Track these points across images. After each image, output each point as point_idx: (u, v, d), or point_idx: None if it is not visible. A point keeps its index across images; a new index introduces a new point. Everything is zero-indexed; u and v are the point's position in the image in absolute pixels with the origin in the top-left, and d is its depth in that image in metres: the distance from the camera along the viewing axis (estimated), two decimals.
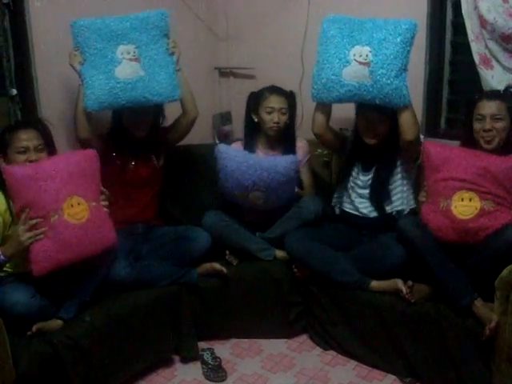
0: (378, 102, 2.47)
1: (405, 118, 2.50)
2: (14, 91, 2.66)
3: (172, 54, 2.70)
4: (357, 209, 2.76)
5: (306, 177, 2.95)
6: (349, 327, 2.58)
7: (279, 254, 2.77)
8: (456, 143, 2.55)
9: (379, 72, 2.42)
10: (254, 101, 2.90)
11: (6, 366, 1.91)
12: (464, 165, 2.31)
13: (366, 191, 2.72)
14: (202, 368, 2.53)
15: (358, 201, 2.75)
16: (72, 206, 2.18)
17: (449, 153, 2.37)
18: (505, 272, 2.08)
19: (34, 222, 2.11)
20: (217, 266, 2.66)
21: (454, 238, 2.31)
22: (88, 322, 2.25)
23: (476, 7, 2.56)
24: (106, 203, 2.35)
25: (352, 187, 2.76)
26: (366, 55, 2.45)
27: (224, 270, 2.65)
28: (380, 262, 2.51)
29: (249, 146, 2.94)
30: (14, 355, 1.94)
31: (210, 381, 2.48)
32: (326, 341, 2.69)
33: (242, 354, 2.68)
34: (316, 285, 2.66)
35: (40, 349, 2.07)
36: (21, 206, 2.13)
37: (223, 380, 2.47)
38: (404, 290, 2.35)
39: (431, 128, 2.97)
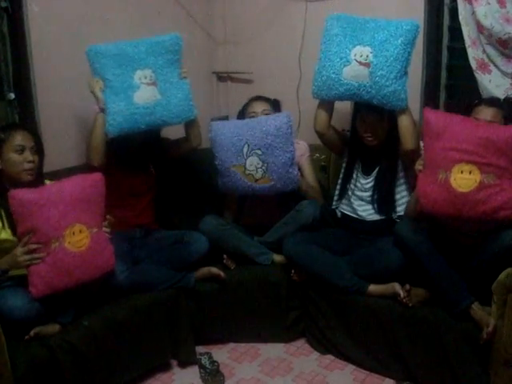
0: (375, 102, 2.48)
1: (404, 125, 2.51)
2: (12, 95, 2.65)
3: (184, 78, 2.73)
4: (355, 211, 2.76)
5: (308, 173, 2.92)
6: (347, 331, 2.58)
7: (277, 258, 2.77)
8: None
9: (379, 73, 2.43)
10: (242, 113, 2.96)
11: (4, 370, 1.90)
12: (465, 133, 2.21)
13: (366, 194, 2.72)
14: (200, 372, 2.53)
15: (356, 203, 2.75)
16: (73, 234, 2.18)
17: (449, 121, 2.28)
18: (502, 276, 2.08)
19: (34, 246, 2.12)
20: (214, 270, 2.66)
21: (450, 212, 2.24)
22: (86, 326, 2.24)
23: (473, 13, 2.57)
24: (108, 229, 2.34)
25: (352, 190, 2.77)
26: (367, 56, 2.46)
27: (222, 274, 2.65)
28: (377, 265, 2.51)
29: None
30: (11, 359, 1.94)
31: None
32: (323, 345, 2.69)
33: (239, 359, 2.68)
34: (314, 289, 2.66)
35: (38, 353, 2.06)
36: (23, 231, 2.13)
37: None
38: (401, 293, 2.36)
39: None
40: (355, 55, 2.49)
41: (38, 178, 2.32)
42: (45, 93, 2.74)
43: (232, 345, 2.79)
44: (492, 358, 2.11)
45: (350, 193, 2.78)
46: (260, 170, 2.68)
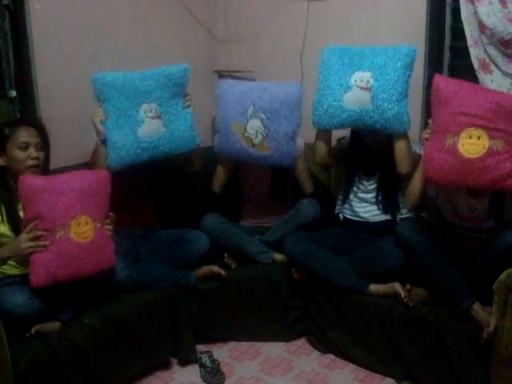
0: (378, 127, 2.48)
1: (401, 149, 2.52)
2: (14, 93, 2.66)
3: (188, 106, 2.71)
4: (357, 214, 2.76)
5: (301, 163, 2.88)
6: (347, 331, 2.59)
7: (278, 257, 2.77)
8: None
9: (380, 97, 2.42)
10: None
11: (5, 368, 1.90)
12: (475, 98, 2.18)
13: (370, 195, 2.72)
14: (200, 371, 2.53)
15: (358, 205, 2.75)
16: (79, 225, 2.18)
17: (459, 87, 2.25)
18: (503, 276, 2.08)
19: (39, 233, 2.12)
20: (215, 268, 2.66)
21: (457, 180, 2.21)
22: (86, 324, 2.24)
23: (475, 12, 2.57)
24: (111, 227, 2.33)
25: (355, 192, 2.76)
26: (368, 80, 2.45)
27: (222, 272, 2.65)
28: (378, 265, 2.51)
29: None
30: (12, 357, 1.94)
31: None
32: (324, 344, 2.69)
33: (240, 357, 2.68)
34: (314, 288, 2.66)
35: (38, 351, 2.06)
36: (30, 217, 2.13)
37: (221, 383, 2.47)
38: (402, 293, 2.36)
39: None
40: (355, 81, 2.47)
41: (43, 174, 2.31)
42: (46, 90, 2.75)
43: (232, 343, 2.79)
44: (492, 358, 2.11)
45: (351, 196, 2.77)
46: (260, 135, 2.67)
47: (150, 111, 2.56)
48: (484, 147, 2.14)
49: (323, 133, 2.68)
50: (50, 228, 2.13)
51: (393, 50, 2.47)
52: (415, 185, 2.42)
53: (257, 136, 2.67)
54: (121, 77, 2.53)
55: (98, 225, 2.25)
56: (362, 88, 2.46)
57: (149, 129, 2.55)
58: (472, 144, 2.15)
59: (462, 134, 2.17)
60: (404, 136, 2.52)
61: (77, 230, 2.17)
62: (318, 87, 2.59)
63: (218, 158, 2.92)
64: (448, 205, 2.47)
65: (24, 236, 2.11)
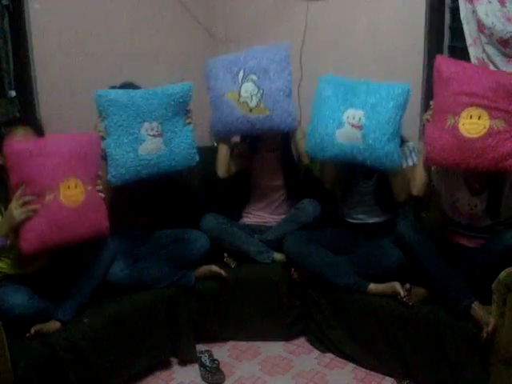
0: (369, 164, 2.47)
1: (397, 182, 2.54)
2: (13, 93, 2.67)
3: (189, 123, 2.70)
4: (356, 215, 2.76)
5: (299, 132, 2.82)
6: (347, 330, 2.59)
7: (277, 256, 2.78)
8: None
9: (371, 136, 2.41)
10: None
11: (5, 368, 1.91)
12: (476, 78, 2.18)
13: (368, 197, 2.72)
14: (200, 370, 2.53)
15: (357, 206, 2.75)
16: (69, 188, 2.15)
17: (461, 67, 2.25)
18: (502, 275, 2.09)
19: (27, 198, 2.08)
20: (215, 268, 2.66)
21: (457, 160, 2.21)
22: (86, 324, 2.24)
23: (474, 11, 2.57)
24: (101, 187, 2.32)
25: (353, 193, 2.76)
26: (359, 118, 2.43)
27: (222, 272, 2.65)
28: (378, 264, 2.51)
29: (254, 147, 2.98)
30: (12, 357, 1.94)
31: (208, 383, 2.47)
32: (323, 343, 2.69)
33: (240, 357, 2.68)
34: (314, 288, 2.66)
35: (38, 350, 2.07)
36: (17, 182, 2.09)
37: (221, 382, 2.47)
38: (402, 292, 2.36)
39: None
40: (348, 117, 2.46)
41: None
42: (46, 90, 2.75)
43: (232, 343, 2.79)
44: (492, 357, 2.11)
45: (350, 197, 2.76)
46: (255, 97, 2.65)
47: (152, 129, 2.54)
48: (485, 127, 2.14)
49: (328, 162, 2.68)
50: (37, 192, 2.09)
51: (386, 89, 2.44)
52: (420, 170, 2.44)
53: (252, 99, 2.66)
54: (124, 95, 2.51)
55: (89, 187, 2.23)
56: (353, 126, 2.44)
57: (149, 146, 2.54)
58: (472, 124, 2.15)
59: (463, 114, 2.17)
60: (396, 172, 2.51)
61: (66, 193, 2.14)
62: (311, 118, 2.58)
63: (217, 138, 2.89)
64: (449, 199, 2.47)
65: (13, 204, 2.08)
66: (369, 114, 2.42)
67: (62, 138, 2.24)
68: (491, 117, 2.13)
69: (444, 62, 2.29)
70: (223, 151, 2.89)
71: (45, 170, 2.11)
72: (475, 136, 2.15)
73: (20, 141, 2.15)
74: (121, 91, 2.54)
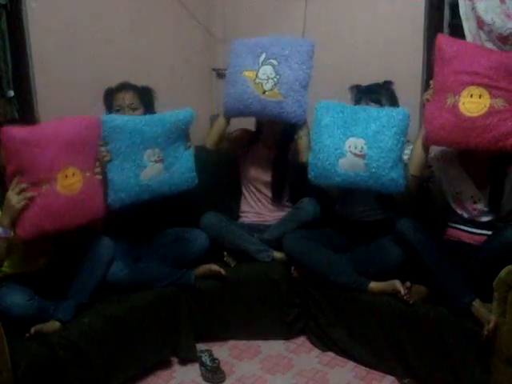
0: (373, 189, 2.47)
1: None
2: (12, 93, 2.65)
3: (189, 147, 2.72)
4: (355, 213, 2.75)
5: (304, 128, 2.80)
6: (347, 328, 2.58)
7: (277, 255, 2.77)
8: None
9: (375, 164, 2.40)
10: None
11: (5, 368, 1.90)
12: (477, 56, 2.18)
13: (367, 196, 2.70)
14: (201, 370, 2.53)
15: (357, 204, 2.74)
16: (66, 177, 2.13)
17: (461, 46, 2.25)
18: (503, 273, 2.08)
19: (24, 185, 2.06)
20: (215, 267, 2.66)
21: (458, 139, 2.21)
22: (86, 324, 2.24)
23: (473, 8, 2.56)
24: (99, 170, 2.31)
25: (351, 192, 2.75)
26: (362, 147, 2.42)
27: (222, 271, 2.65)
28: (378, 263, 2.51)
29: (255, 138, 2.99)
30: (12, 357, 1.93)
31: (209, 382, 2.47)
32: (324, 342, 2.69)
33: (240, 356, 2.68)
34: (314, 286, 2.66)
35: (38, 350, 2.06)
36: (13, 171, 2.08)
37: (221, 381, 2.47)
38: (402, 291, 2.36)
39: None
40: (350, 147, 2.44)
41: None
42: (44, 90, 2.74)
43: (232, 342, 2.79)
44: (493, 354, 2.11)
45: (349, 198, 2.76)
46: (271, 81, 2.66)
47: (154, 155, 2.55)
48: (485, 106, 2.14)
49: None
50: (34, 181, 2.07)
51: (386, 116, 2.42)
52: (418, 147, 2.43)
53: (268, 82, 2.66)
54: (129, 121, 2.51)
55: (87, 174, 2.21)
56: (356, 155, 2.43)
57: (151, 172, 2.55)
58: (473, 103, 2.15)
59: (463, 93, 2.17)
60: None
61: (64, 183, 2.12)
62: (312, 146, 2.57)
63: (223, 110, 2.88)
64: (452, 192, 2.47)
65: (10, 193, 2.07)
66: (371, 142, 2.41)
67: (60, 124, 2.20)
68: (492, 96, 2.13)
69: (445, 41, 2.28)
70: (220, 123, 2.90)
71: (41, 161, 2.08)
72: (475, 115, 2.15)
73: (17, 128, 2.10)
74: (126, 117, 2.53)
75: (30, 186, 2.07)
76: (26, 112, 2.69)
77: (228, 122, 2.91)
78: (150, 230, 2.78)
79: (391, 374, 2.47)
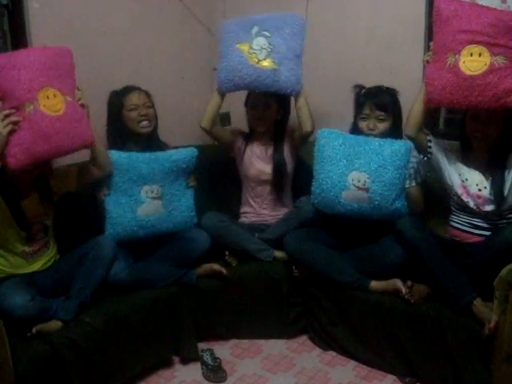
0: (375, 218, 2.51)
1: None
2: None
3: (191, 186, 2.73)
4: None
5: (302, 98, 2.80)
6: (348, 327, 2.59)
7: (278, 254, 2.77)
8: (456, 143, 2.54)
9: (378, 198, 2.43)
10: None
11: (6, 368, 1.91)
12: (475, 15, 2.17)
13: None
14: (202, 369, 2.53)
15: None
16: (48, 98, 2.12)
17: (460, 5, 2.24)
18: (504, 271, 2.08)
19: (7, 111, 2.05)
20: (216, 266, 2.66)
21: (459, 98, 2.20)
22: (88, 323, 2.24)
23: None
24: (82, 101, 2.31)
25: None
26: (365, 181, 2.44)
27: (223, 270, 2.65)
28: (379, 261, 2.51)
29: (249, 138, 2.99)
30: (13, 356, 1.94)
31: (210, 381, 2.47)
32: (325, 341, 2.69)
33: (241, 355, 2.68)
34: (315, 285, 2.66)
35: (40, 350, 2.07)
36: None
37: (223, 381, 2.47)
38: (403, 290, 2.36)
39: (430, 128, 2.97)
40: (353, 180, 2.46)
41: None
42: None
43: (234, 341, 2.79)
44: (494, 353, 2.11)
45: None
46: (264, 51, 2.69)
47: (152, 192, 2.57)
48: (485, 64, 2.14)
49: None
50: (16, 105, 2.07)
51: (389, 149, 2.44)
52: (416, 107, 2.42)
53: (261, 51, 2.69)
54: (126, 158, 2.53)
55: (69, 98, 2.21)
56: (359, 188, 2.46)
57: (148, 208, 2.57)
58: (473, 61, 2.15)
59: (463, 52, 2.17)
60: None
61: (46, 103, 2.12)
62: (315, 174, 2.59)
63: (217, 85, 2.87)
64: (457, 177, 2.46)
65: None
66: (373, 176, 2.43)
67: (34, 49, 2.23)
68: (492, 53, 2.13)
69: (443, 1, 2.26)
70: (215, 100, 2.90)
71: (20, 82, 2.07)
72: (476, 73, 2.15)
73: None
74: (124, 154, 2.54)
75: (15, 112, 2.07)
76: None
77: (222, 99, 2.90)
78: None
79: (392, 373, 2.47)
